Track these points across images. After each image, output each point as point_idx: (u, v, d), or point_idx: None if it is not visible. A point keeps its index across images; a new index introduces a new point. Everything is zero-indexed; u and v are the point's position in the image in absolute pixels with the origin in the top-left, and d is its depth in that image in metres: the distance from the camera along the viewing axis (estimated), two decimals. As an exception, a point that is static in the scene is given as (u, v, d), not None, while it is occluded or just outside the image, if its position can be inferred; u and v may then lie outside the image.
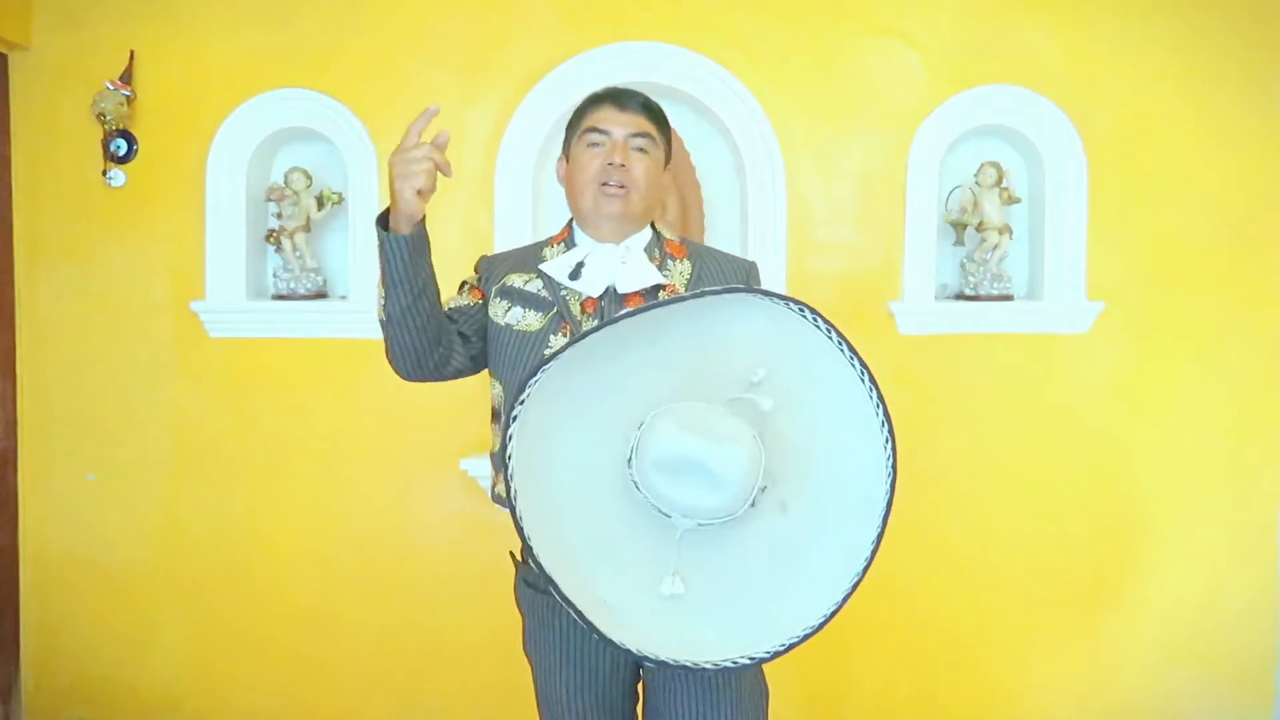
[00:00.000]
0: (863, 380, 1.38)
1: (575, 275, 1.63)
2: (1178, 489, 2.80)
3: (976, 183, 2.76)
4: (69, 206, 2.81)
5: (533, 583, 1.69)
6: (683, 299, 1.35)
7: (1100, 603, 2.82)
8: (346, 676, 2.85)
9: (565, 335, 1.60)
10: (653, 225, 1.72)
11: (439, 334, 1.61)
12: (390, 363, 1.64)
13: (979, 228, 2.76)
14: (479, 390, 2.77)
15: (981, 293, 2.76)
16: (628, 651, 1.35)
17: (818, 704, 2.80)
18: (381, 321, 1.59)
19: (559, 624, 1.66)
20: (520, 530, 1.36)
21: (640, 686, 1.74)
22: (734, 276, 1.70)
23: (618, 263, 1.63)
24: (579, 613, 1.34)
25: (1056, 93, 2.71)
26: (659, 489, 1.37)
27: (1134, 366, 2.78)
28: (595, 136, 1.64)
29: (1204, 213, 2.75)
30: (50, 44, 2.79)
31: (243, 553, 2.84)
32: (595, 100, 1.68)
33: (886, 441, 1.38)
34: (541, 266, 1.66)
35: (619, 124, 1.64)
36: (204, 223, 2.78)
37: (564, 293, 1.64)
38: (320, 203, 2.81)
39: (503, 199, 2.74)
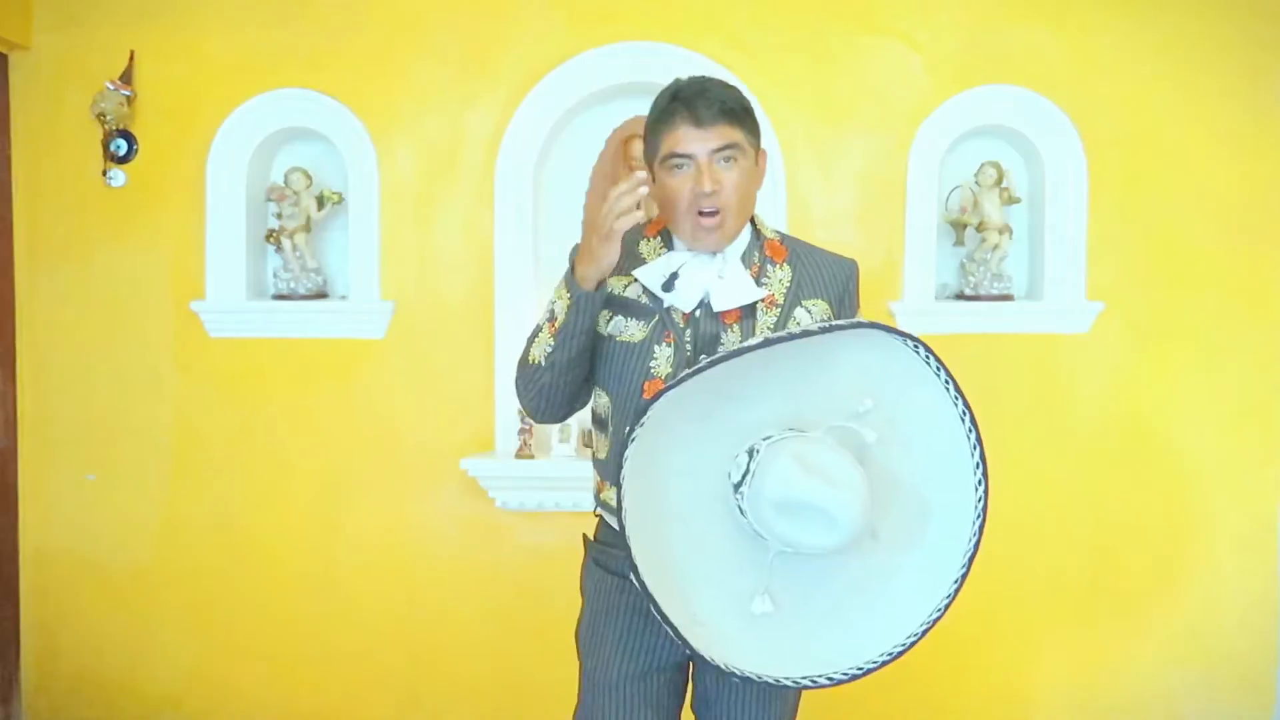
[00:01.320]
0: (963, 420, 1.44)
1: (669, 287, 1.58)
2: (1178, 489, 2.79)
3: (976, 183, 2.76)
4: (69, 206, 2.81)
5: (604, 563, 1.68)
6: (810, 333, 1.37)
7: (1101, 603, 2.82)
8: (346, 676, 2.85)
9: (669, 344, 1.57)
10: (753, 223, 1.67)
11: (588, 373, 1.62)
12: (529, 406, 1.64)
13: (979, 228, 2.76)
14: (479, 390, 2.79)
15: (981, 293, 2.76)
16: (717, 667, 1.38)
17: (818, 704, 2.80)
18: (538, 367, 1.58)
19: (622, 608, 1.64)
20: (629, 553, 1.37)
21: (689, 680, 1.75)
22: (834, 279, 1.68)
23: (714, 276, 1.58)
24: (675, 630, 1.36)
25: (1056, 93, 2.71)
26: (772, 524, 1.38)
27: (1134, 366, 2.78)
28: (677, 161, 1.55)
29: (1204, 213, 2.75)
30: (50, 44, 2.79)
31: (243, 553, 2.84)
32: (670, 112, 1.56)
33: (980, 483, 1.45)
34: (636, 273, 1.61)
35: (700, 142, 1.53)
36: (204, 223, 2.78)
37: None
38: (320, 203, 2.81)
39: (503, 199, 2.74)
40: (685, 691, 1.73)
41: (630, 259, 1.63)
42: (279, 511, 2.83)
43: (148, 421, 2.84)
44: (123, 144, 2.76)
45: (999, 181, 2.74)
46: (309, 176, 2.80)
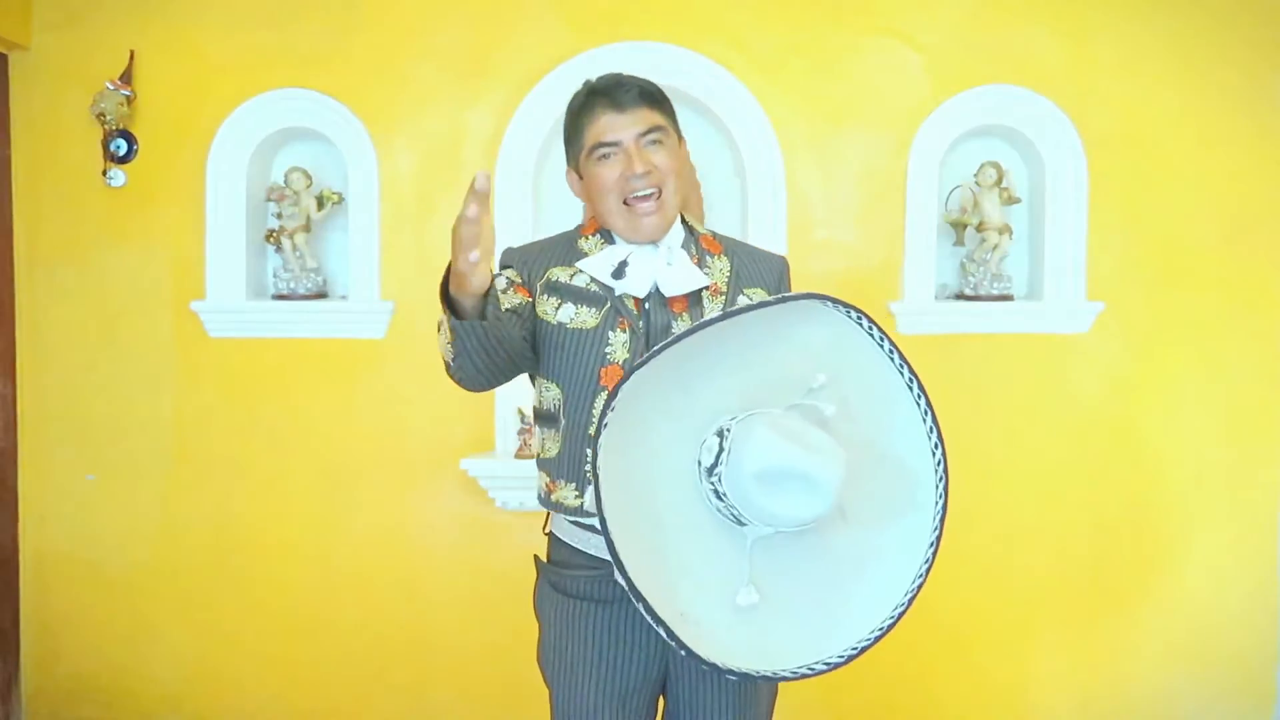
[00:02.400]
0: (911, 388, 1.45)
1: (619, 274, 1.56)
2: (1178, 489, 2.79)
3: (976, 183, 2.76)
4: (69, 206, 2.81)
5: (562, 587, 1.61)
6: (768, 304, 1.37)
7: (1100, 602, 2.82)
8: (346, 677, 2.85)
9: (624, 330, 1.54)
10: (683, 219, 1.65)
11: (511, 356, 1.50)
12: (456, 381, 1.53)
13: (979, 228, 2.76)
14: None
15: (981, 293, 2.76)
16: (713, 666, 1.32)
17: (818, 704, 2.80)
18: (448, 365, 1.48)
19: (589, 632, 1.58)
20: (611, 548, 1.31)
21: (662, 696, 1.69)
22: (769, 273, 1.67)
23: (662, 264, 1.57)
24: (670, 632, 1.31)
25: (1056, 93, 2.71)
26: (753, 498, 1.35)
27: (1134, 366, 2.78)
28: (604, 150, 1.54)
29: (1204, 213, 2.75)
30: (50, 44, 2.79)
31: (243, 553, 2.84)
32: (590, 107, 1.56)
33: (936, 448, 1.45)
34: (581, 264, 1.58)
35: (624, 128, 1.54)
36: (204, 223, 2.78)
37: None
38: (320, 203, 2.81)
39: (503, 199, 2.74)
40: (657, 709, 1.67)
41: (573, 254, 1.61)
42: (279, 511, 2.83)
43: (148, 422, 2.83)
44: (123, 144, 2.76)
45: (999, 181, 2.74)
46: (309, 176, 2.80)
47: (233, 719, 2.87)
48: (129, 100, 2.74)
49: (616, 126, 1.54)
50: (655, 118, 1.56)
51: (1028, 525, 2.80)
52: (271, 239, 2.83)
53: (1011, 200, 2.77)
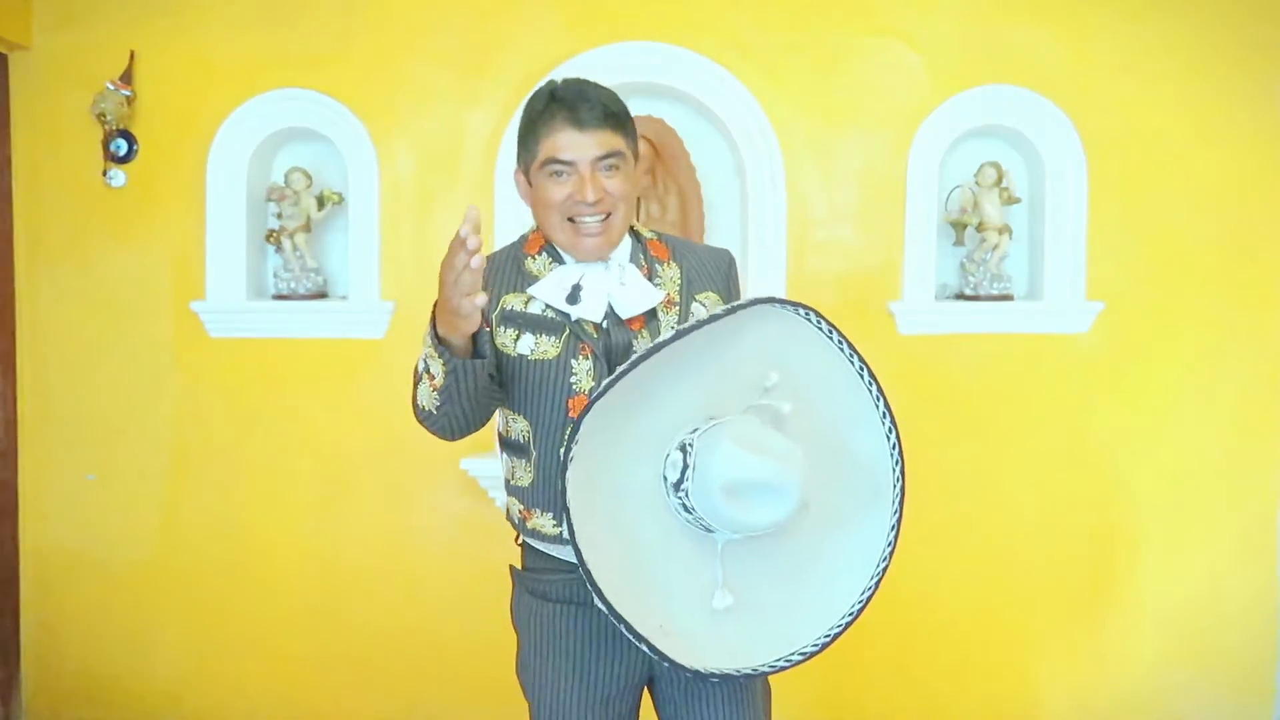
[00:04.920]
0: (862, 376, 1.49)
1: (573, 299, 1.51)
2: (1178, 489, 2.80)
3: (976, 183, 2.76)
4: (69, 206, 2.81)
5: (539, 592, 1.59)
6: (717, 317, 1.38)
7: (1100, 603, 2.82)
8: (346, 676, 2.85)
9: (586, 357, 1.51)
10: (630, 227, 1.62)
11: (492, 393, 1.50)
12: (437, 435, 1.54)
13: (979, 228, 2.76)
14: (479, 390, 2.78)
15: (981, 293, 2.76)
16: (696, 673, 1.36)
17: (818, 704, 2.80)
18: (430, 414, 1.47)
19: (568, 637, 1.56)
20: (589, 577, 1.33)
21: (646, 700, 1.69)
22: (717, 270, 1.65)
23: (615, 284, 1.53)
24: (652, 647, 1.34)
25: (1056, 93, 2.71)
26: (721, 510, 1.37)
27: (1134, 366, 2.78)
28: (556, 167, 1.48)
29: (1204, 213, 2.75)
30: (50, 44, 2.79)
31: (243, 552, 2.84)
32: (548, 115, 1.49)
33: (890, 432, 1.50)
34: (532, 290, 1.54)
35: (581, 149, 1.47)
36: (204, 223, 2.78)
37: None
38: (320, 203, 2.81)
39: (502, 199, 2.74)
40: (638, 713, 1.65)
41: (522, 277, 1.57)
42: (279, 511, 2.83)
43: (148, 421, 2.84)
44: (123, 144, 2.76)
45: (999, 181, 2.74)
46: (309, 176, 2.80)
47: (233, 718, 2.87)
48: (129, 100, 2.74)
49: (574, 146, 1.47)
50: (615, 141, 1.50)
51: (1027, 525, 2.80)
52: (271, 239, 2.83)
53: (1011, 200, 2.77)
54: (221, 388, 2.82)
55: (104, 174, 2.78)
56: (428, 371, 1.44)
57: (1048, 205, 2.74)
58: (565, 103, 1.48)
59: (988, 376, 2.77)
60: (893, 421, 1.50)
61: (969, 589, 2.80)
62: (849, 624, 1.47)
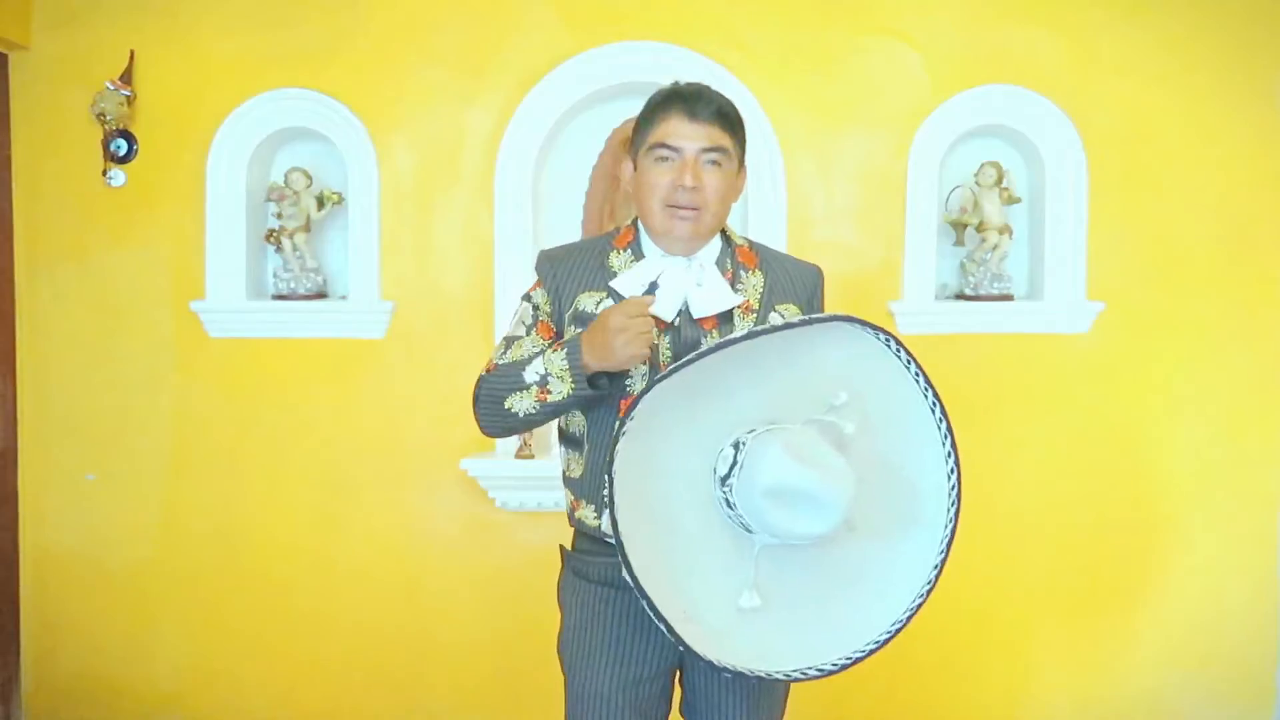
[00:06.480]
0: (934, 412, 1.48)
1: (649, 294, 1.57)
2: (1178, 489, 2.79)
3: (976, 183, 2.76)
4: (69, 206, 2.81)
5: (584, 573, 1.66)
6: (792, 325, 1.40)
7: (1100, 603, 2.82)
8: (346, 676, 2.85)
9: (644, 361, 1.53)
10: (722, 229, 1.68)
11: None
12: (487, 430, 1.63)
13: (979, 228, 2.76)
14: (479, 390, 2.78)
15: (981, 293, 2.76)
16: (710, 664, 1.39)
17: (818, 705, 2.80)
18: (513, 415, 1.56)
19: (608, 618, 1.62)
20: (621, 549, 1.37)
21: (677, 688, 1.73)
22: (803, 285, 1.68)
23: (692, 284, 1.58)
24: (670, 628, 1.37)
25: (1056, 93, 2.71)
26: (762, 513, 1.39)
27: (1134, 366, 2.78)
28: (664, 152, 1.55)
29: (1204, 213, 2.75)
30: (50, 44, 2.79)
31: (243, 553, 2.84)
32: (665, 105, 1.57)
33: (952, 472, 1.48)
34: (612, 284, 1.60)
35: (690, 138, 1.54)
36: (204, 223, 2.78)
37: None
38: (320, 203, 2.81)
39: (502, 199, 2.74)
40: (672, 698, 1.71)
41: (602, 273, 1.62)
42: (279, 511, 2.83)
43: (148, 422, 2.84)
44: (123, 144, 2.76)
45: (999, 181, 2.74)
46: (309, 176, 2.80)
47: (232, 718, 2.87)
48: (129, 100, 2.74)
49: (683, 133, 1.55)
50: (723, 138, 1.57)
51: (1028, 525, 2.80)
52: (271, 239, 2.83)
53: (1011, 200, 2.77)
54: (221, 388, 2.82)
55: (104, 174, 2.78)
56: (543, 385, 1.52)
57: (1048, 205, 2.74)
58: (683, 96, 1.57)
59: (988, 376, 2.77)
60: (956, 461, 1.48)
61: (969, 589, 2.79)
62: (873, 651, 1.47)
